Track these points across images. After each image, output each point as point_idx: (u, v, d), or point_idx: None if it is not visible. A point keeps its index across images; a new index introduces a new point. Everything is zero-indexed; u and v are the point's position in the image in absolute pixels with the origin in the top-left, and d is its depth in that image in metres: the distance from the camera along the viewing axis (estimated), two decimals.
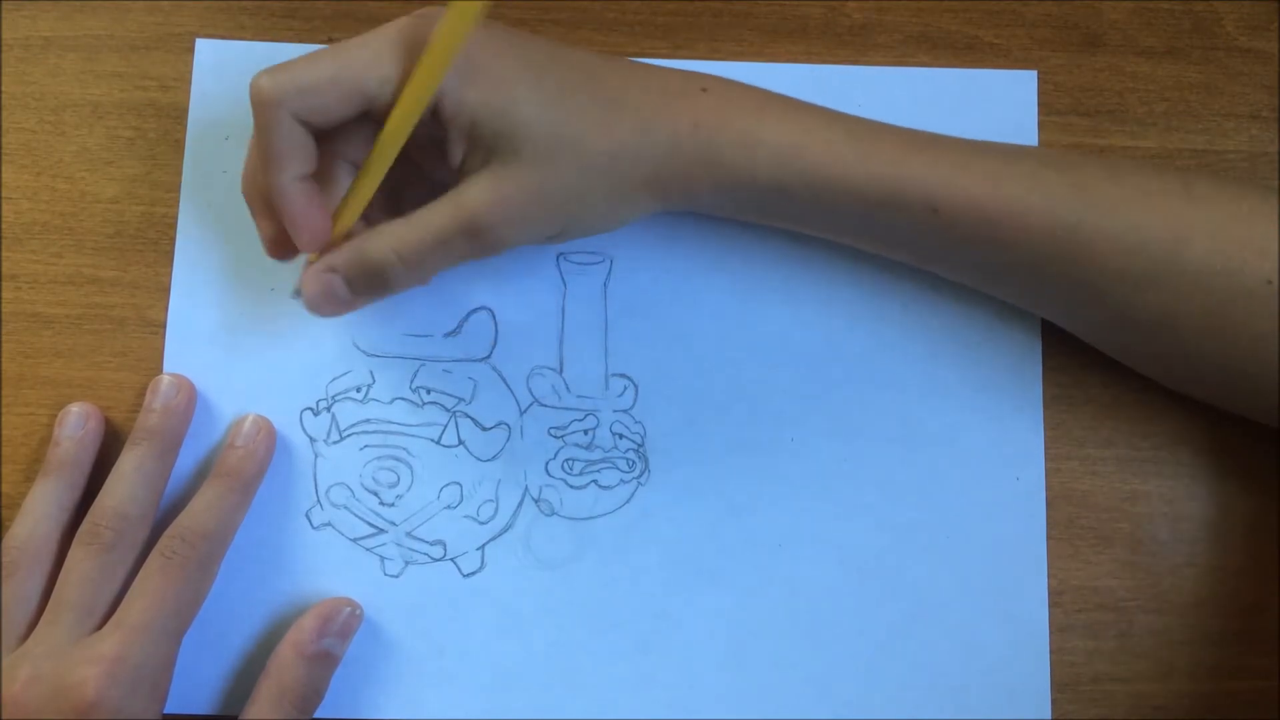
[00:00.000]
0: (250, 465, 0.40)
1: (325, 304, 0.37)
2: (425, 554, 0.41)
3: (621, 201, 0.37)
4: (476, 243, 0.36)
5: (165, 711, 0.37)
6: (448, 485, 0.41)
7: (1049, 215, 0.36)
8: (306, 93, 0.34)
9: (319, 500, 0.41)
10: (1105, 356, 0.41)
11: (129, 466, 0.39)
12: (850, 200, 0.37)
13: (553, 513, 0.41)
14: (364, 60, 0.34)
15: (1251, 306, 0.36)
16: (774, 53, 0.43)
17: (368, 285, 0.36)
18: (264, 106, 0.34)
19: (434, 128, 0.35)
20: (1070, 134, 0.43)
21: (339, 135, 0.36)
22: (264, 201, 0.37)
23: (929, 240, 0.38)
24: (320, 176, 0.36)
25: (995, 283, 0.39)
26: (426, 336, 0.42)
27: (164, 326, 0.42)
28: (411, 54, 0.34)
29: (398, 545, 0.41)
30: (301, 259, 0.38)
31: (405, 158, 0.36)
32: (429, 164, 0.38)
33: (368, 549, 0.41)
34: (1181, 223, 0.36)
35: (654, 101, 0.36)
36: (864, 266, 0.42)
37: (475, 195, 0.35)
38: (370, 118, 0.35)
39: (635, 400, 0.42)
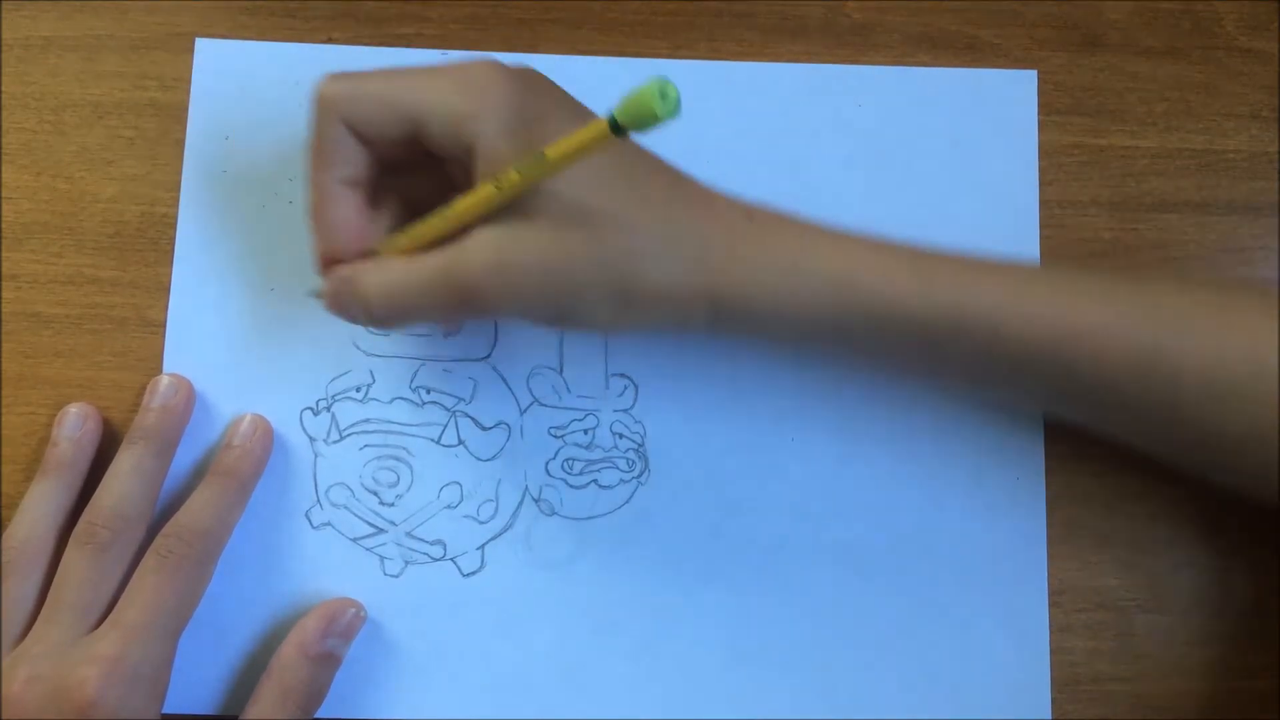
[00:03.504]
0: (247, 464, 0.40)
1: (336, 309, 0.37)
2: (425, 554, 0.41)
3: (627, 306, 0.35)
4: (467, 306, 0.34)
5: (166, 711, 0.37)
6: (448, 485, 0.41)
7: (1125, 334, 0.34)
8: (357, 101, 0.34)
9: (319, 500, 0.41)
10: None
11: (126, 466, 0.39)
12: (905, 327, 0.35)
13: (553, 512, 0.41)
14: (424, 90, 0.34)
15: None
16: (774, 53, 0.43)
17: (358, 316, 0.36)
18: (316, 106, 0.35)
19: (467, 164, 0.34)
20: (1070, 134, 0.43)
21: (397, 169, 0.36)
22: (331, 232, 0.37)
23: (988, 365, 0.36)
24: (371, 201, 0.36)
25: (1063, 406, 0.38)
26: (426, 336, 0.42)
27: (164, 326, 0.42)
28: (474, 100, 0.33)
29: (398, 545, 0.41)
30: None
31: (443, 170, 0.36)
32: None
33: (368, 549, 0.41)
34: (1263, 340, 0.34)
35: (692, 211, 0.35)
36: None
37: (475, 256, 0.34)
38: (424, 151, 0.35)
39: (635, 400, 0.42)
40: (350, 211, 0.36)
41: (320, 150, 0.35)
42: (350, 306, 0.36)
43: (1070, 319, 0.35)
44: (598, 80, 0.42)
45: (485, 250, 0.34)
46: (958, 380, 0.39)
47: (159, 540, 0.38)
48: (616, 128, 0.30)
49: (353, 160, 0.35)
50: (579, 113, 0.35)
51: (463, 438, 0.41)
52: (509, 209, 0.33)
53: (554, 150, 0.31)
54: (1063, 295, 0.35)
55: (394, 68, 0.35)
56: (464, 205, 0.34)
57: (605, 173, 0.34)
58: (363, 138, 0.35)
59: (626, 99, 0.29)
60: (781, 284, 0.35)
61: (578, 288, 0.34)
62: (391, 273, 0.35)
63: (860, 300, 0.35)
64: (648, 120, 0.29)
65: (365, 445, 0.41)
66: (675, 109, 0.29)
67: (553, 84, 0.35)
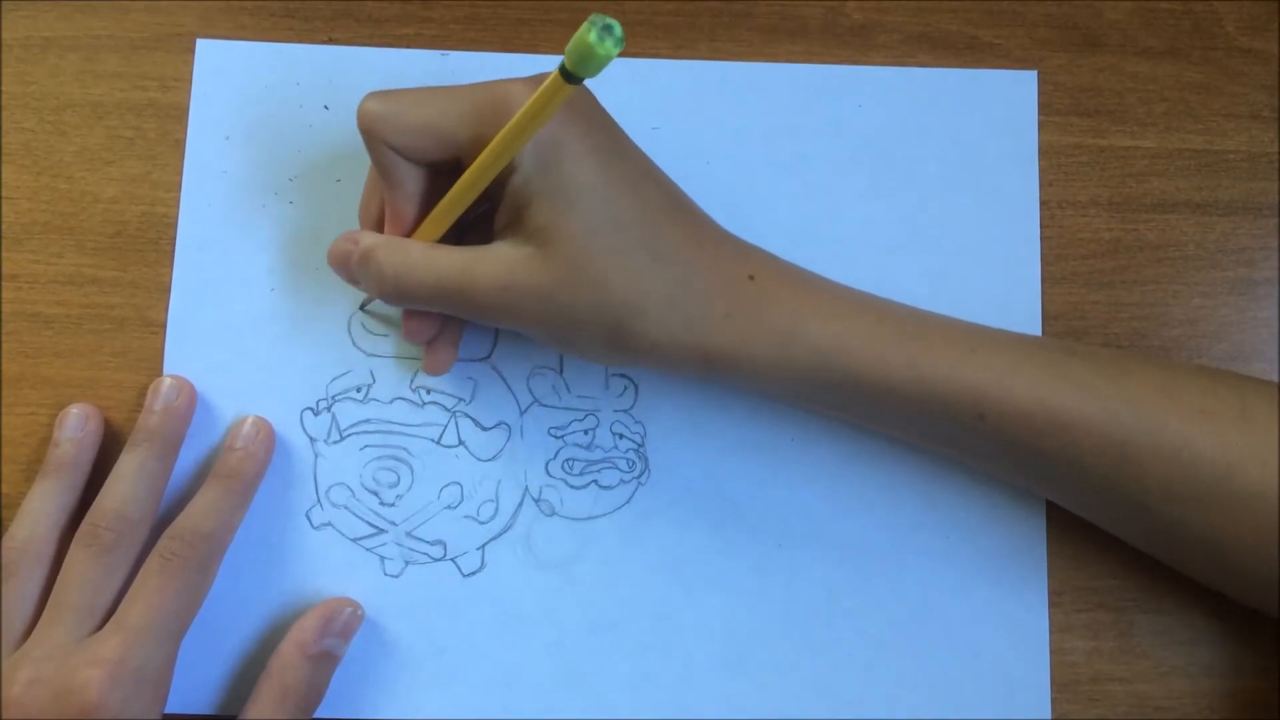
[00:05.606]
0: (250, 466, 0.40)
1: (338, 267, 0.38)
2: (425, 554, 0.41)
3: (620, 350, 0.36)
4: (469, 313, 0.37)
5: (166, 711, 0.37)
6: (448, 485, 0.41)
7: (1099, 431, 0.35)
8: (400, 133, 0.35)
9: (319, 500, 0.41)
10: None
11: (129, 468, 0.39)
12: (893, 401, 0.36)
13: (553, 513, 0.41)
14: (455, 113, 0.35)
15: None
16: (774, 53, 0.43)
17: (365, 284, 0.38)
18: (365, 136, 0.36)
19: (494, 188, 0.36)
20: (1070, 134, 0.43)
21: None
22: (374, 223, 0.39)
23: (973, 443, 0.37)
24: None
25: (1039, 486, 0.39)
26: None
27: (164, 326, 0.42)
28: (489, 118, 0.34)
29: (398, 545, 0.41)
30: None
31: None
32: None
33: (368, 549, 0.41)
34: (1234, 446, 0.35)
35: (700, 263, 0.36)
36: None
37: (486, 271, 0.35)
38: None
39: (635, 400, 0.42)
40: (417, 211, 0.37)
41: (382, 175, 0.36)
42: (363, 277, 0.37)
43: (1050, 407, 0.35)
44: (598, 80, 0.42)
45: (497, 267, 0.35)
46: (944, 452, 0.39)
47: (162, 542, 0.38)
48: (567, 75, 0.31)
49: (410, 178, 0.36)
50: (611, 143, 0.36)
51: (463, 438, 0.41)
52: (529, 237, 0.35)
53: (521, 110, 0.32)
54: (1046, 381, 0.35)
55: (429, 89, 0.36)
56: (458, 188, 0.35)
57: (627, 211, 0.35)
58: (411, 160, 0.36)
59: (570, 43, 0.30)
60: (774, 352, 0.36)
61: (576, 325, 0.35)
62: (409, 258, 0.36)
63: (849, 373, 0.36)
64: (591, 58, 0.30)
65: (365, 445, 0.41)
66: (617, 43, 0.29)
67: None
